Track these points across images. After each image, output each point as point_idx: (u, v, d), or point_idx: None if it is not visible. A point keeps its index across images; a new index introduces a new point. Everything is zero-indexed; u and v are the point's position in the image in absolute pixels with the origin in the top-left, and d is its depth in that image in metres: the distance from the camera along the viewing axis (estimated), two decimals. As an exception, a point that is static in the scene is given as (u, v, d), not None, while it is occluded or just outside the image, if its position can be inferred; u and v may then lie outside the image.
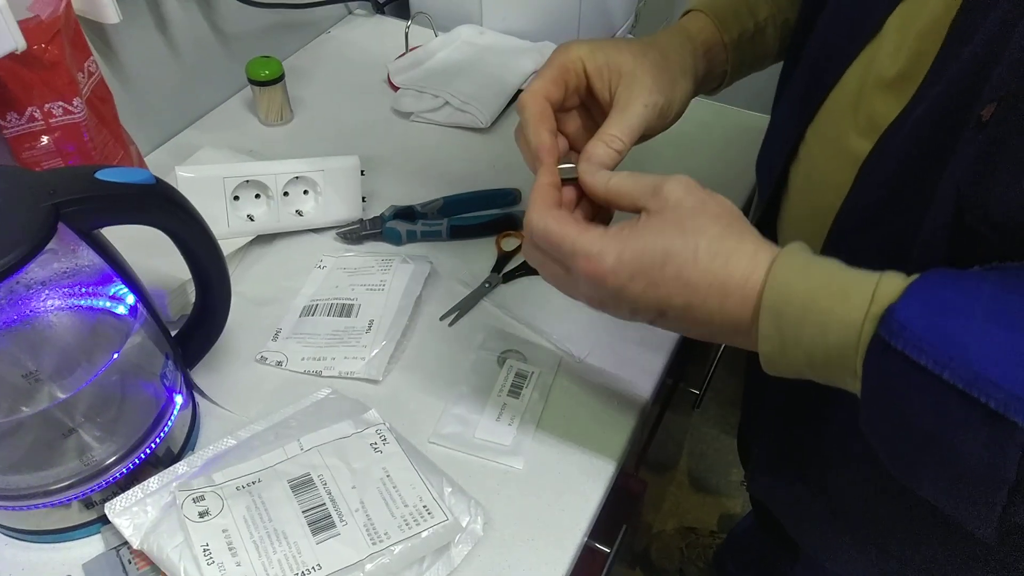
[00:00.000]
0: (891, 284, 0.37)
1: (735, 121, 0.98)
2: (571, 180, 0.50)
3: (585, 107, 0.55)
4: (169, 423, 0.60)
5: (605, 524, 0.65)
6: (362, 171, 0.81)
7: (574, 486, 0.62)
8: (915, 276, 0.37)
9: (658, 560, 1.46)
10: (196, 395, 0.66)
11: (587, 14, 1.11)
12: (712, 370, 1.00)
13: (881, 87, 0.46)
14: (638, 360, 0.70)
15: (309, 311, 0.73)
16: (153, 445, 0.58)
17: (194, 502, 0.54)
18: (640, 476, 0.94)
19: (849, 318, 0.38)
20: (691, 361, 1.04)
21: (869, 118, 0.46)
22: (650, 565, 1.47)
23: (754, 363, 0.44)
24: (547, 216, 0.46)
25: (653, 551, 1.47)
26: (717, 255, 0.42)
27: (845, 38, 0.49)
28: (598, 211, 0.51)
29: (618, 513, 0.74)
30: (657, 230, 0.43)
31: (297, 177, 0.78)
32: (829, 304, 0.38)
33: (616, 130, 0.50)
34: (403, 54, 1.05)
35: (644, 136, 0.53)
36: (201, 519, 0.53)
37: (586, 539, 0.60)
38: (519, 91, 1.00)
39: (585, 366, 0.70)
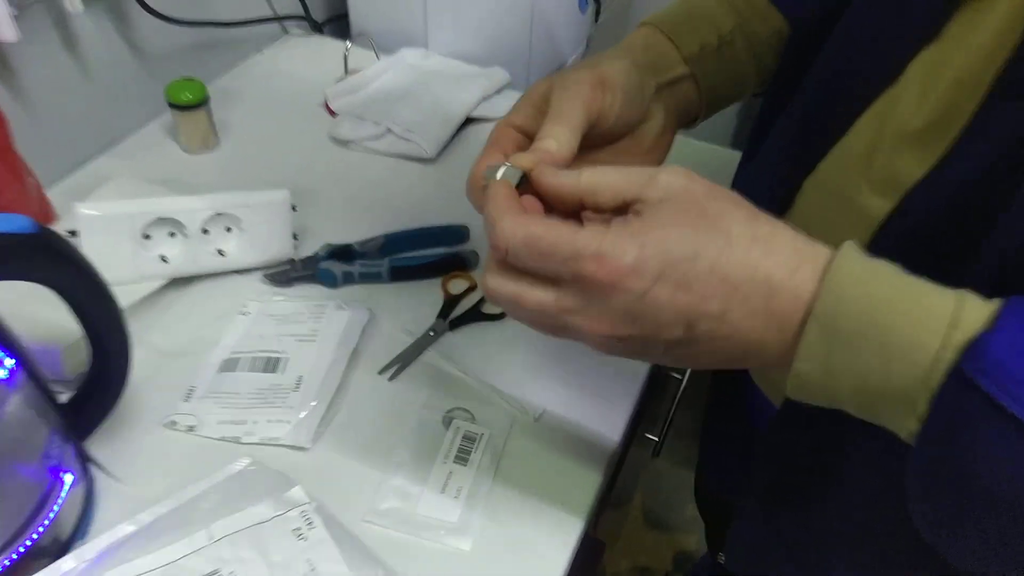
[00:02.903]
0: (976, 308, 0.31)
1: (697, 156, 0.92)
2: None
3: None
4: (55, 508, 0.51)
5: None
6: (293, 206, 0.73)
7: (531, 563, 0.54)
8: (999, 301, 0.31)
9: (616, 605, 1.39)
10: (92, 468, 0.57)
11: (538, 38, 1.06)
12: (672, 414, 0.94)
13: (903, 141, 0.40)
14: (599, 414, 0.64)
15: (229, 366, 0.65)
16: (35, 536, 0.49)
17: (78, 610, 0.46)
18: (598, 534, 0.87)
19: (921, 342, 0.31)
20: (648, 399, 0.98)
21: (888, 175, 0.41)
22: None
23: (723, 428, 0.37)
24: (527, 220, 0.36)
25: (608, 596, 1.40)
26: (756, 241, 0.34)
27: (855, 83, 0.44)
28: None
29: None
30: (674, 218, 0.35)
31: (219, 214, 0.70)
32: (897, 322, 0.32)
33: (551, 125, 0.42)
34: (342, 78, 0.98)
35: (606, 138, 0.46)
36: (85, 632, 0.45)
37: (544, 631, 0.53)
38: (468, 119, 0.93)
39: (541, 425, 0.63)
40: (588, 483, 0.59)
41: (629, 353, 0.38)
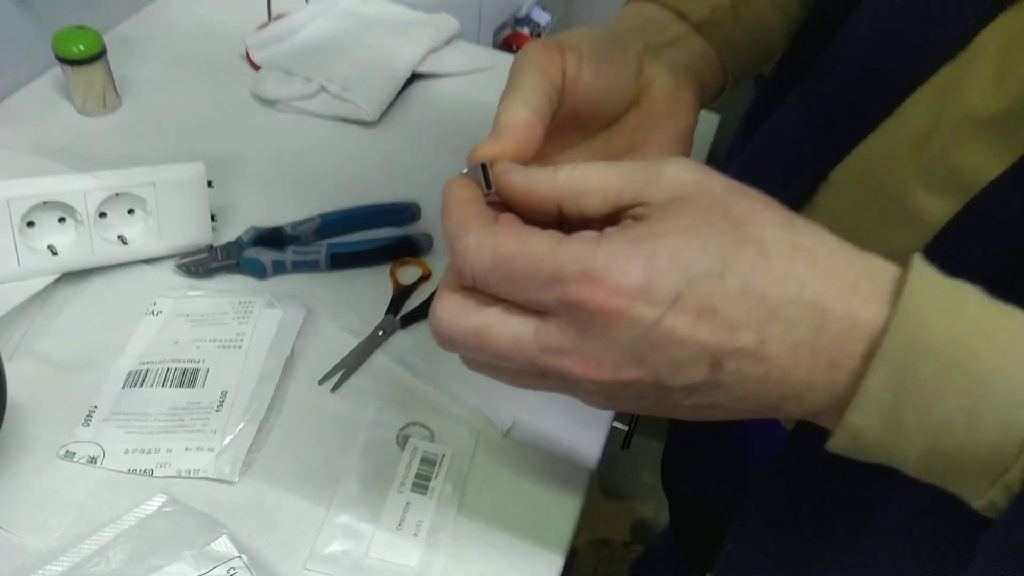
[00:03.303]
0: None
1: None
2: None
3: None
4: (-89, 581, 0.40)
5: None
6: (210, 181, 0.62)
7: (504, 614, 0.47)
8: None
9: (574, 579, 1.36)
10: (-33, 517, 0.47)
11: (489, -19, 0.95)
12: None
13: (971, 128, 0.32)
14: (577, 420, 0.56)
15: (136, 379, 0.54)
16: None
17: None
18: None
19: (1021, 393, 0.24)
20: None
21: (949, 170, 0.33)
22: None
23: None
24: (495, 234, 0.28)
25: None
26: (798, 251, 0.26)
27: (905, 53, 0.35)
28: None
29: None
30: (690, 221, 0.27)
31: (119, 194, 0.59)
32: (995, 366, 0.25)
33: (503, 104, 0.33)
34: (265, 24, 0.85)
35: (596, 118, 0.37)
36: None
37: None
38: (413, 75, 0.82)
39: (510, 440, 0.55)
40: (566, 509, 0.52)
41: (634, 405, 0.30)
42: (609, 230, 0.28)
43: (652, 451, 1.24)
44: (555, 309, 0.28)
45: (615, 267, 0.26)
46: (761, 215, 0.28)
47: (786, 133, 0.44)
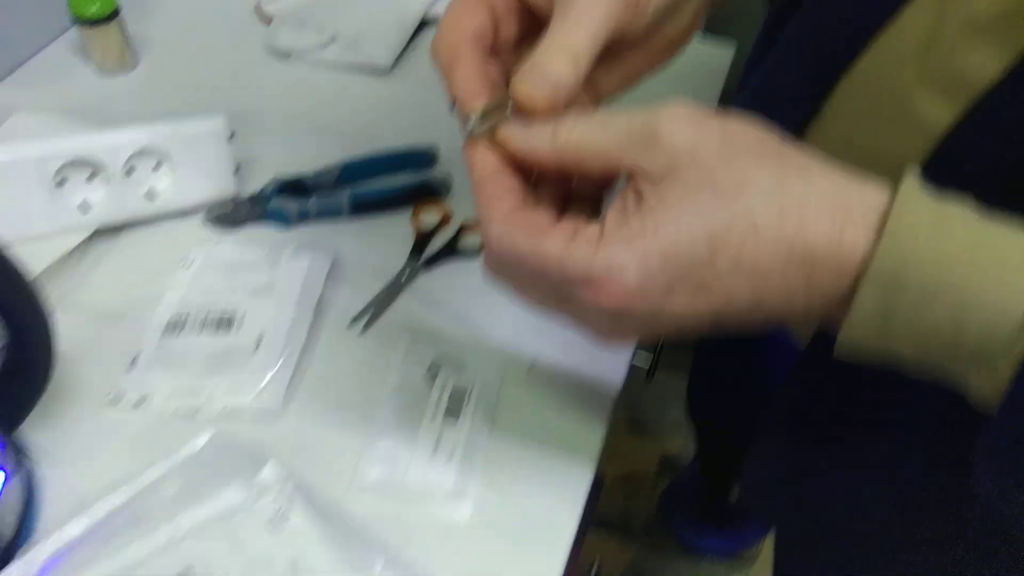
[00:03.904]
0: None
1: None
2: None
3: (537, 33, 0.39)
4: (-14, 514, 0.43)
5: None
6: (231, 133, 0.64)
7: (538, 527, 0.49)
8: None
9: (601, 511, 1.39)
10: (29, 457, 0.50)
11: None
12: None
13: (972, 32, 0.33)
14: (598, 353, 0.58)
15: (175, 327, 0.56)
16: (-35, 549, 0.42)
17: (28, 634, 0.39)
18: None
19: (1004, 306, 0.26)
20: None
21: (951, 74, 0.34)
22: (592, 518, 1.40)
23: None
24: (513, 228, 0.31)
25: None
26: (785, 212, 0.28)
27: None
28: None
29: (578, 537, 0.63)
30: (684, 204, 0.29)
31: (144, 148, 0.60)
32: (974, 283, 0.27)
33: (563, 37, 0.33)
34: (274, -23, 0.85)
35: (613, 53, 0.37)
36: (38, 660, 0.38)
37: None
38: (422, 22, 0.83)
39: (536, 371, 0.57)
40: (592, 432, 0.54)
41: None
42: (608, 230, 0.30)
43: (677, 388, 1.26)
44: (569, 297, 0.32)
45: (612, 273, 0.29)
46: (752, 177, 0.29)
47: (793, 50, 0.44)
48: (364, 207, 0.65)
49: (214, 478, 0.48)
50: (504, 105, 0.34)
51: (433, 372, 0.56)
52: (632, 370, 0.84)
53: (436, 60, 0.36)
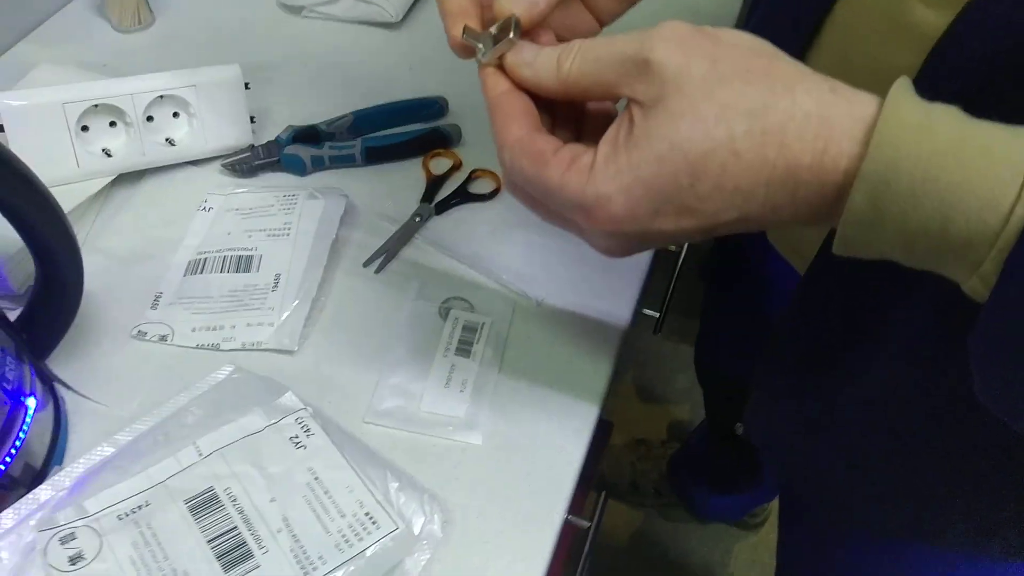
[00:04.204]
0: None
1: None
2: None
3: None
4: (21, 435, 0.46)
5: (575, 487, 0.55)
6: (246, 83, 0.65)
7: (545, 457, 0.51)
8: None
9: (610, 475, 1.41)
10: (59, 389, 0.52)
11: None
12: (672, 288, 0.90)
13: None
14: (607, 290, 0.59)
15: (196, 267, 0.58)
16: (3, 465, 0.44)
17: (62, 543, 0.41)
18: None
19: (988, 198, 0.27)
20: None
21: None
22: (602, 482, 1.42)
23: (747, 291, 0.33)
24: (520, 154, 0.33)
25: (604, 467, 1.42)
26: (768, 134, 0.29)
27: None
28: None
29: (584, 469, 0.64)
30: (666, 134, 0.30)
31: (162, 96, 0.62)
32: (959, 177, 0.27)
33: None
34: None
35: None
36: (73, 567, 0.41)
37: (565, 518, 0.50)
38: (432, -24, 0.83)
39: (544, 309, 0.58)
40: (599, 368, 0.55)
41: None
42: (598, 161, 0.32)
43: (685, 356, 1.27)
44: (569, 220, 0.34)
45: (600, 201, 0.32)
46: (735, 102, 0.30)
47: None
48: (377, 155, 0.66)
49: (235, 405, 0.50)
50: (510, 26, 0.36)
51: (445, 310, 0.57)
52: (642, 318, 0.86)
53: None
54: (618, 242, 0.33)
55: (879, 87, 0.32)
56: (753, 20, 0.53)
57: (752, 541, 1.36)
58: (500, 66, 0.35)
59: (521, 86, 0.35)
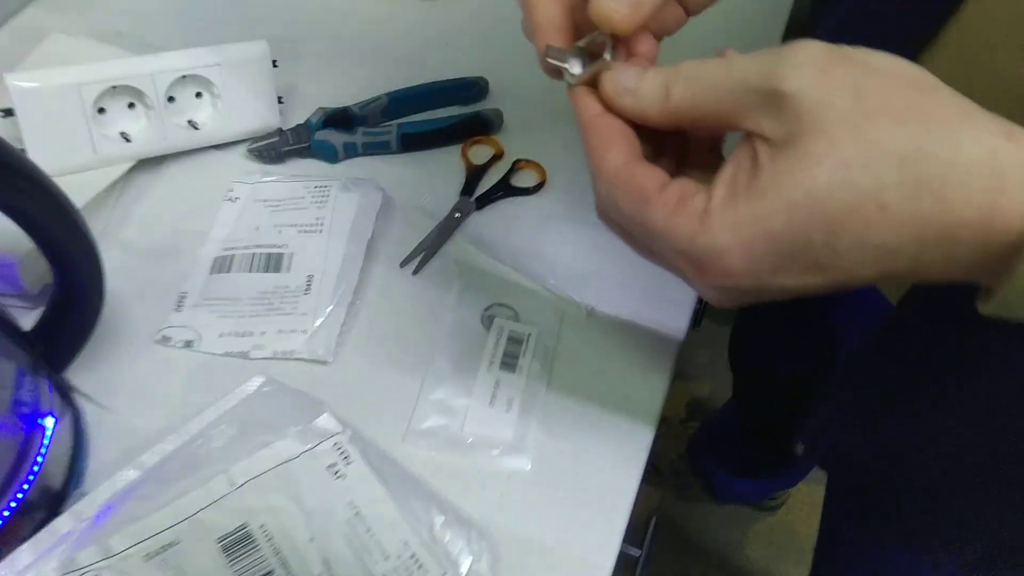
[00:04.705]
0: None
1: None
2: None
3: None
4: (39, 459, 0.42)
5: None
6: (274, 61, 0.60)
7: (597, 484, 0.48)
8: None
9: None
10: (77, 399, 0.48)
11: None
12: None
13: None
14: (661, 296, 0.55)
15: (223, 265, 0.54)
16: (19, 496, 0.41)
17: (85, 584, 0.38)
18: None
19: None
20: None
21: None
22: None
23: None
24: (618, 188, 0.29)
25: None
26: (923, 186, 0.25)
27: None
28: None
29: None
30: (800, 181, 0.26)
31: (184, 76, 0.57)
32: None
33: None
34: None
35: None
36: (98, 610, 0.38)
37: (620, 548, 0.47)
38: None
39: (593, 318, 0.54)
40: (654, 385, 0.52)
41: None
42: (714, 207, 0.27)
43: (707, 332, 1.23)
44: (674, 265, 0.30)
45: (713, 256, 0.27)
46: (884, 149, 0.25)
47: None
48: (413, 142, 0.62)
49: (267, 424, 0.46)
50: (603, 43, 0.31)
51: (488, 318, 0.54)
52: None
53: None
54: (729, 295, 0.29)
55: (1011, 108, 0.27)
56: (837, 15, 0.48)
57: (769, 522, 1.35)
58: (592, 83, 0.31)
59: (620, 115, 0.30)
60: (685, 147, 0.33)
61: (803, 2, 0.75)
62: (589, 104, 0.31)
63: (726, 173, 0.28)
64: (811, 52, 0.26)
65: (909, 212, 0.25)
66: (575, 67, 0.31)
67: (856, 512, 0.61)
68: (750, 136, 0.28)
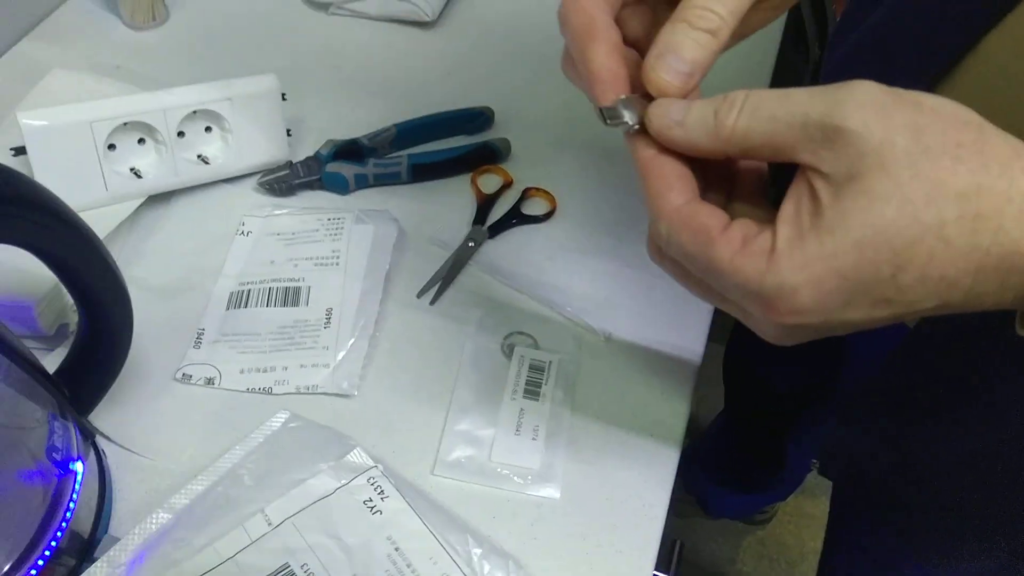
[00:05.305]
0: None
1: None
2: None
3: None
4: (71, 507, 0.41)
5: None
6: (283, 94, 0.60)
7: (627, 510, 0.48)
8: None
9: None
10: (100, 442, 0.48)
11: None
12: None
13: None
14: (675, 320, 0.56)
15: (240, 300, 0.54)
16: (52, 546, 0.40)
17: (127, 634, 0.38)
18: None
19: None
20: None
21: None
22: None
23: None
24: (681, 228, 0.30)
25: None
26: (982, 219, 0.26)
27: None
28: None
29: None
30: (867, 219, 0.26)
31: (196, 111, 0.57)
32: None
33: (699, 12, 0.31)
34: (306, -78, 0.81)
35: (745, 23, 0.35)
36: (142, 660, 0.37)
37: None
38: (467, -30, 0.79)
39: (612, 344, 0.55)
40: (676, 408, 0.53)
41: None
42: (780, 247, 0.28)
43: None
44: (740, 306, 0.31)
45: (784, 294, 0.28)
46: (944, 184, 0.26)
47: (901, 23, 0.41)
48: (424, 172, 0.62)
49: (297, 461, 0.46)
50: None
51: (509, 347, 0.54)
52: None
53: (566, 30, 0.33)
54: (795, 332, 0.30)
55: None
56: (844, 47, 0.49)
57: (760, 536, 1.36)
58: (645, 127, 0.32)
59: (670, 148, 0.31)
60: (733, 180, 0.34)
61: (785, 45, 0.78)
62: (645, 147, 0.32)
63: (787, 211, 0.29)
64: (870, 91, 0.27)
65: (969, 244, 0.26)
66: (630, 118, 0.31)
67: (867, 524, 0.62)
68: (804, 171, 0.29)
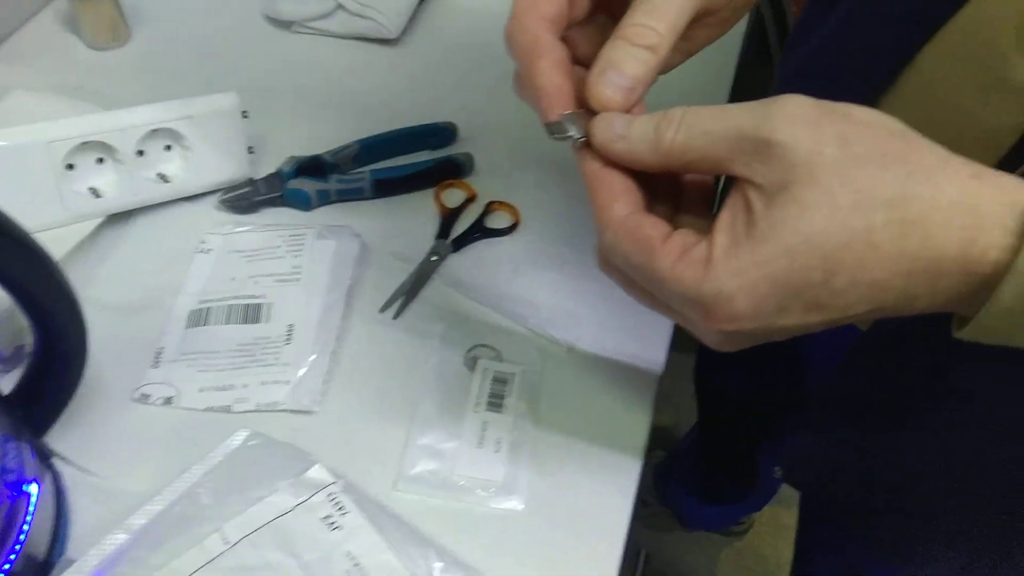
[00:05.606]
0: None
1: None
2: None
3: (606, 8, 0.37)
4: (25, 528, 0.41)
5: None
6: (244, 112, 0.60)
7: (591, 520, 0.48)
8: None
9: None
10: (56, 463, 0.47)
11: None
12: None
13: None
14: (637, 331, 0.56)
15: (199, 318, 0.54)
16: (7, 566, 0.40)
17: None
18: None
19: None
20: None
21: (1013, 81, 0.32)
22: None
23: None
24: (623, 239, 0.31)
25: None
26: (909, 224, 0.27)
27: None
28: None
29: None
30: (797, 226, 0.27)
31: (155, 129, 0.57)
32: None
33: (643, 17, 0.32)
34: (269, -58, 0.81)
35: (691, 39, 0.36)
36: None
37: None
38: (431, -12, 0.79)
39: (575, 355, 0.55)
40: (638, 419, 0.53)
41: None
42: (716, 256, 0.29)
43: (670, 361, 1.26)
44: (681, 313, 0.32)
45: (720, 302, 0.29)
46: (871, 192, 0.27)
47: (866, 12, 0.42)
48: (387, 187, 0.62)
49: (256, 479, 0.46)
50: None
51: (472, 359, 0.54)
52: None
53: (513, 49, 0.34)
54: (733, 338, 0.31)
55: (973, 146, 0.29)
56: (794, 62, 0.50)
57: (737, 547, 1.36)
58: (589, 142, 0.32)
59: (615, 161, 0.32)
60: (679, 193, 0.34)
61: (748, 59, 0.79)
62: (591, 161, 0.32)
63: (724, 221, 0.29)
64: (800, 105, 0.28)
65: (897, 249, 0.27)
66: (575, 132, 0.32)
67: (832, 531, 0.62)
68: (740, 183, 0.30)
